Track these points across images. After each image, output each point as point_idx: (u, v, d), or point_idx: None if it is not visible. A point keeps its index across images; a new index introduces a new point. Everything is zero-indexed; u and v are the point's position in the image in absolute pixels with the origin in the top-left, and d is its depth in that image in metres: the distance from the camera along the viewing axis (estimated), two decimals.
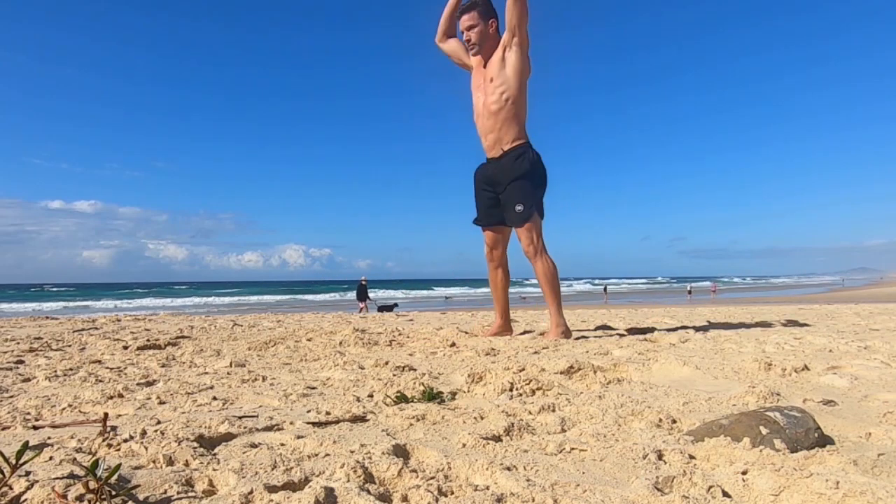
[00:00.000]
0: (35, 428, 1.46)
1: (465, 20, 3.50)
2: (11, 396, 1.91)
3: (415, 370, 2.30)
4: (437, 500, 0.94)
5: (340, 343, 3.27)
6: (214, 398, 1.81)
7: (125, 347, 3.23)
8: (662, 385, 1.92)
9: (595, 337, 3.41)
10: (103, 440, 1.24)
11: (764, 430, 1.21)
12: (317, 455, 1.20)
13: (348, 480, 1.01)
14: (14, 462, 0.97)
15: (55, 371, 2.36)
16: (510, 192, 3.43)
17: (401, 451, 1.20)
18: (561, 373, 2.04)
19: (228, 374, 2.31)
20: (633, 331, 3.80)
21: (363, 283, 18.76)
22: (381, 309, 16.01)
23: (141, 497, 0.96)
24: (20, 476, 0.99)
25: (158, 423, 1.46)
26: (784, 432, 1.21)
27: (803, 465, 1.06)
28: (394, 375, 2.14)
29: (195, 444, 1.22)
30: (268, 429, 1.41)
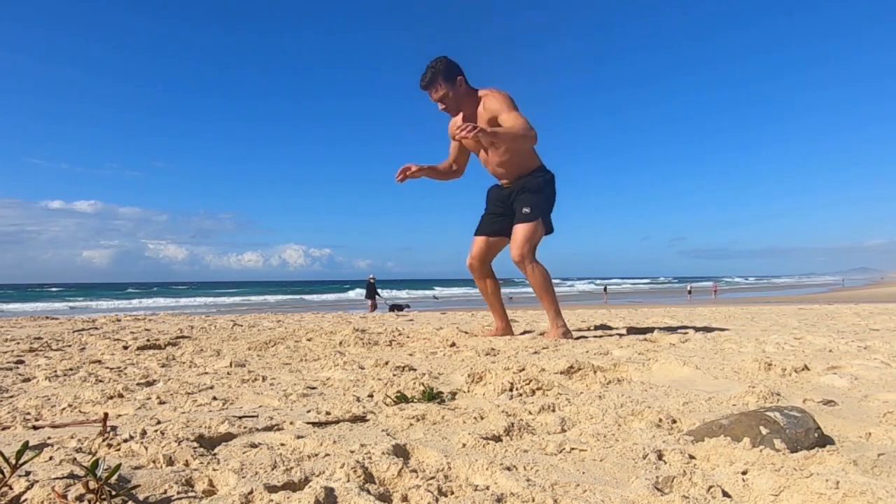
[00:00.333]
0: (35, 428, 1.46)
1: (433, 95, 3.36)
2: (11, 396, 1.91)
3: (415, 370, 2.30)
4: (437, 500, 0.94)
5: (340, 343, 3.27)
6: (214, 398, 1.81)
7: (125, 347, 3.23)
8: (662, 385, 1.92)
9: (595, 337, 3.41)
10: (103, 440, 1.24)
11: (764, 430, 1.21)
12: (317, 455, 1.20)
13: (348, 480, 1.01)
14: (14, 462, 0.97)
15: (55, 371, 2.36)
16: (521, 199, 3.42)
17: (401, 451, 1.20)
18: (561, 373, 2.04)
19: (228, 374, 2.31)
20: (633, 331, 3.80)
21: (371, 280, 18.44)
22: (393, 308, 15.85)
23: (141, 497, 0.96)
24: (20, 476, 0.99)
25: (158, 423, 1.46)
26: (784, 432, 1.21)
27: (803, 465, 1.06)
28: (394, 375, 2.14)
29: (195, 444, 1.22)
30: (268, 429, 1.41)
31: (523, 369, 2.07)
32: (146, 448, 1.19)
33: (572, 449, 1.22)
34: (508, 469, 1.07)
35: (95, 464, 0.93)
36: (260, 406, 1.73)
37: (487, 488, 0.99)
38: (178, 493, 0.98)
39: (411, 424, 1.47)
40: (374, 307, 17.09)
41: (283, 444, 1.28)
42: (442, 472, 1.08)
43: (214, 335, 4.03)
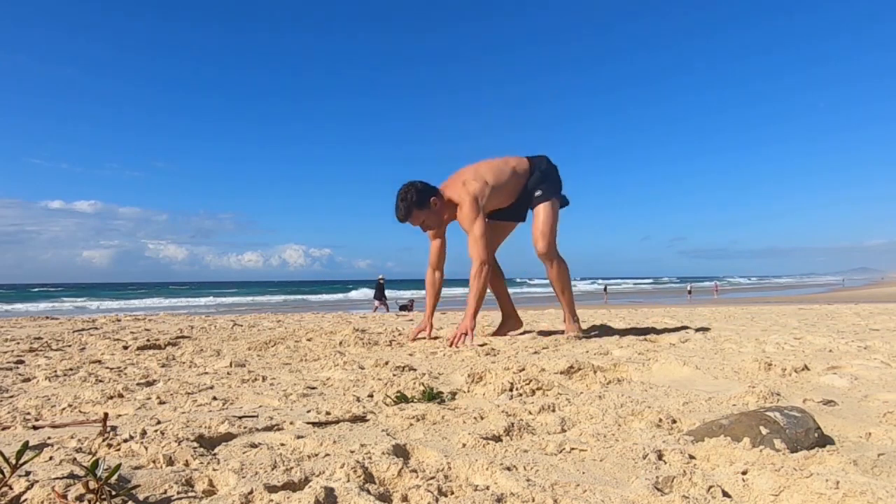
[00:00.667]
0: (35, 428, 1.46)
1: (414, 222, 3.31)
2: (11, 396, 1.91)
3: (415, 370, 2.30)
4: (437, 500, 0.94)
5: (340, 343, 3.27)
6: (214, 398, 1.81)
7: (125, 347, 3.23)
8: (662, 385, 1.92)
9: (595, 337, 3.41)
10: (103, 440, 1.24)
11: (764, 430, 1.21)
12: (317, 455, 1.20)
13: (348, 480, 1.01)
14: (14, 462, 0.97)
15: (55, 371, 2.36)
16: (530, 183, 3.43)
17: (401, 451, 1.20)
18: (561, 373, 2.04)
19: (228, 374, 2.31)
20: (633, 331, 3.80)
21: (381, 281, 18.12)
22: (403, 308, 15.74)
23: (141, 497, 0.96)
24: (20, 476, 0.99)
25: (158, 423, 1.46)
26: (784, 432, 1.21)
27: (803, 465, 1.06)
28: (394, 375, 2.14)
29: (195, 444, 1.22)
30: (268, 429, 1.41)
31: (523, 369, 2.07)
32: (146, 448, 1.19)
33: (572, 449, 1.22)
34: (508, 469, 1.07)
35: (95, 464, 0.93)
36: (260, 406, 1.73)
37: (487, 488, 0.99)
38: (178, 493, 0.98)
39: (411, 424, 1.47)
40: (386, 308, 16.76)
41: (283, 444, 1.28)
42: (442, 472, 1.08)
43: (214, 335, 4.03)
